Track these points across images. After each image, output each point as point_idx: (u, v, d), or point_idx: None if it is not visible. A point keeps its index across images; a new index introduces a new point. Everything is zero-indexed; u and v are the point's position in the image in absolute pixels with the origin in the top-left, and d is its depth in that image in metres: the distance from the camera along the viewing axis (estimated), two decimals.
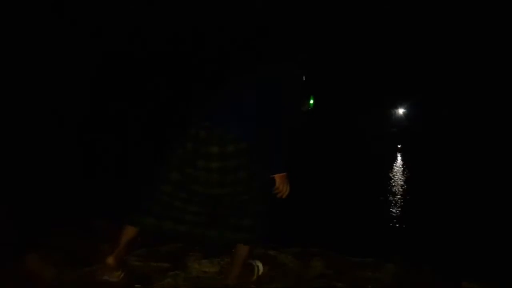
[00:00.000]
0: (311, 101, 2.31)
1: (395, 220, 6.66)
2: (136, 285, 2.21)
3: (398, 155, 20.72)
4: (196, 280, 2.34)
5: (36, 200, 3.48)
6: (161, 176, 2.10)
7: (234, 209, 2.07)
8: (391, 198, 8.50)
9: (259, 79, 2.15)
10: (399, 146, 24.33)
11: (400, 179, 11.78)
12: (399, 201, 8.28)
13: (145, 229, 2.11)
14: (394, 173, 13.02)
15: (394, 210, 7.46)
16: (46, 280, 2.27)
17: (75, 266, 2.38)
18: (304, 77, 2.23)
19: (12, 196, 3.32)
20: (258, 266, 2.37)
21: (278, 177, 2.10)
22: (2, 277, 2.24)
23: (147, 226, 2.08)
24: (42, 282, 2.26)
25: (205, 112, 2.08)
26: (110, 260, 2.14)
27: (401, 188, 9.95)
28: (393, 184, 10.68)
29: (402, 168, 14.87)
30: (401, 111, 31.18)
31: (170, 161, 2.09)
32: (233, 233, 2.07)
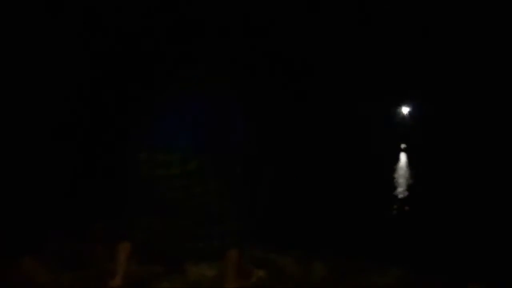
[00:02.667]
0: None
1: (399, 223, 6.62)
2: None
3: (402, 155, 20.69)
4: (194, 283, 2.30)
5: (33, 203, 3.46)
6: (137, 192, 2.06)
7: (215, 217, 2.04)
8: (394, 200, 8.45)
9: (204, 92, 2.09)
10: (402, 146, 24.33)
11: (404, 180, 11.74)
12: (403, 204, 8.24)
13: (138, 243, 2.10)
14: (398, 174, 12.98)
15: (398, 213, 7.41)
16: (43, 283, 2.25)
17: (72, 269, 2.35)
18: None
19: (9, 199, 3.31)
20: (257, 271, 2.34)
21: None
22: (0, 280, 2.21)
23: (139, 241, 2.08)
24: (39, 286, 2.24)
25: (155, 132, 2.03)
26: (118, 281, 2.10)
27: (405, 190, 9.90)
28: (397, 185, 10.64)
29: (406, 169, 14.83)
30: (405, 110, 31.16)
31: (138, 180, 2.04)
32: (219, 240, 2.05)
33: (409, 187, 10.30)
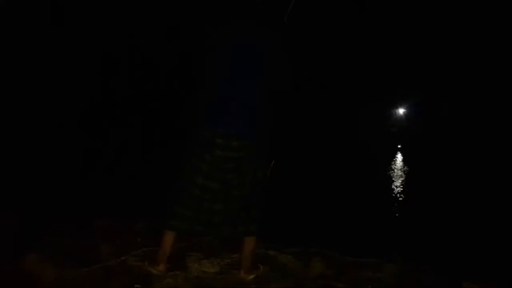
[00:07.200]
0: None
1: (395, 220, 6.66)
2: (136, 286, 2.21)
3: (398, 155, 20.74)
4: (196, 280, 2.34)
5: (36, 199, 3.47)
6: (187, 181, 2.19)
7: (248, 203, 2.20)
8: (391, 198, 8.50)
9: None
10: (399, 146, 24.38)
11: (400, 179, 11.79)
12: (399, 201, 8.29)
13: (180, 232, 2.25)
14: (394, 173, 13.02)
15: (394, 210, 7.46)
16: (46, 280, 2.27)
17: (75, 266, 2.37)
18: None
19: (12, 196, 3.32)
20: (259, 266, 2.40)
21: None
22: (2, 277, 2.23)
23: (182, 230, 2.23)
24: (42, 282, 2.25)
25: (222, 117, 2.15)
26: (162, 267, 2.29)
27: (401, 188, 9.95)
28: (393, 184, 10.68)
29: (402, 168, 14.87)
30: (401, 111, 31.26)
31: (196, 167, 2.17)
32: (245, 226, 2.22)
33: (405, 185, 10.35)
